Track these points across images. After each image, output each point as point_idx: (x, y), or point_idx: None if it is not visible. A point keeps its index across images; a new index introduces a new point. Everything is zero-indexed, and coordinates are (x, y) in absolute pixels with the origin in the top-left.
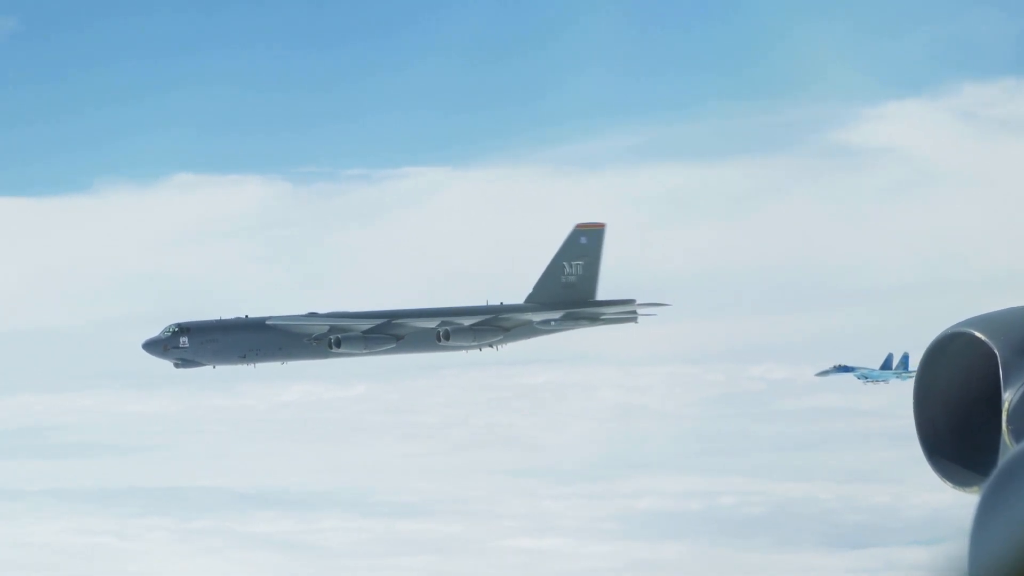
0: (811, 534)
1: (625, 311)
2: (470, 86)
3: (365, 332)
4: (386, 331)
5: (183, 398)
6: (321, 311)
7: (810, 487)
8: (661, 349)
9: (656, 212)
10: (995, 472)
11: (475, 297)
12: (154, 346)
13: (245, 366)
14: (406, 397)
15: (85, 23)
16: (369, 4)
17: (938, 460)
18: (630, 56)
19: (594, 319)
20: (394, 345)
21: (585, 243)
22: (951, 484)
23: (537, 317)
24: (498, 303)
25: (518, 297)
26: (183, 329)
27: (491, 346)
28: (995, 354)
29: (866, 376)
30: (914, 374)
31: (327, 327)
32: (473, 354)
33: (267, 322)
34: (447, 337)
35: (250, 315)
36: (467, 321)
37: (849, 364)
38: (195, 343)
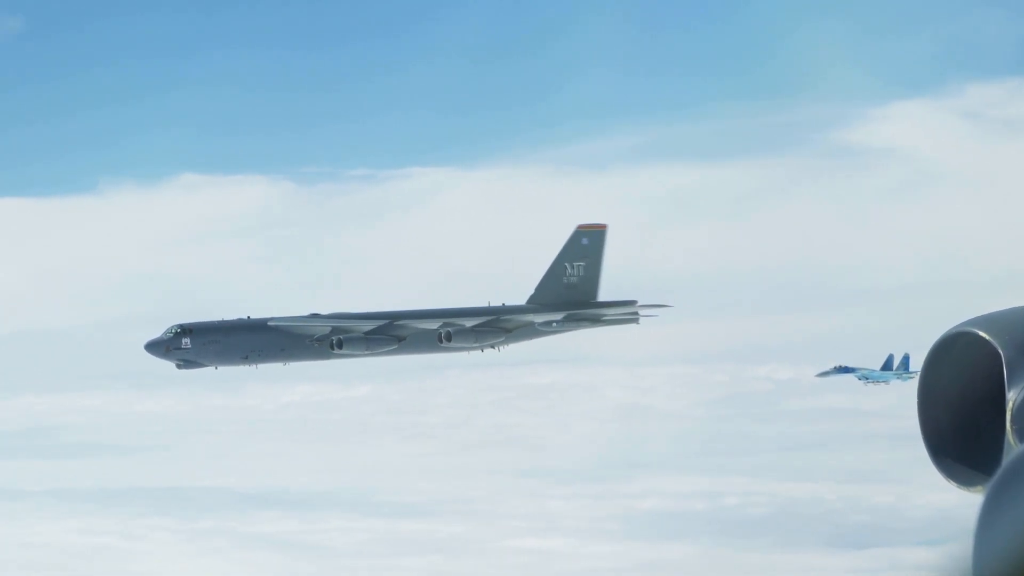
0: (815, 534)
1: (627, 312)
2: (473, 87)
3: (367, 333)
4: (388, 332)
5: (186, 398)
6: (323, 312)
7: (814, 487)
8: (664, 349)
9: (659, 212)
10: (999, 471)
11: (477, 298)
12: (156, 347)
13: (247, 367)
14: (409, 397)
15: (90, 23)
16: (373, 5)
17: (942, 459)
18: (633, 57)
19: (596, 320)
20: (396, 346)
21: (587, 244)
22: (955, 483)
23: (539, 318)
24: (500, 304)
25: (520, 298)
26: (185, 330)
27: (493, 347)
28: (999, 354)
29: (866, 377)
30: (914, 375)
31: (329, 328)
32: (476, 354)
33: (269, 323)
34: (449, 338)
35: (252, 316)
36: (469, 322)
37: (850, 365)
38: (197, 344)
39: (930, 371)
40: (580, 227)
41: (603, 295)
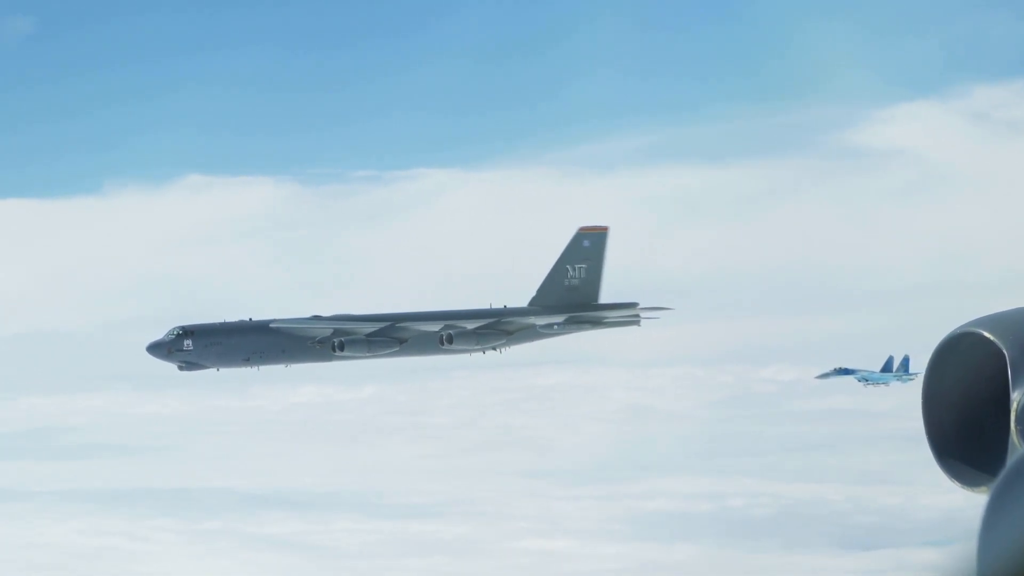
0: (821, 535)
1: (628, 315)
2: (479, 88)
3: (368, 335)
4: (389, 334)
5: (192, 399)
6: (325, 314)
7: (820, 488)
8: (670, 351)
9: (665, 214)
10: (1003, 472)
11: (482, 299)
12: (158, 349)
13: (249, 368)
14: (416, 399)
15: (96, 24)
16: (379, 6)
17: (947, 460)
18: (639, 58)
19: (597, 323)
20: (397, 348)
21: (588, 246)
22: (960, 484)
23: (540, 321)
24: (501, 306)
25: (524, 299)
26: (187, 332)
27: (494, 349)
28: (1003, 354)
29: (866, 379)
30: (914, 377)
31: (331, 330)
32: (482, 356)
33: (271, 325)
34: (450, 340)
35: (256, 317)
36: (470, 324)
37: (849, 367)
38: (199, 346)
39: (934, 371)
40: (582, 229)
41: (607, 297)
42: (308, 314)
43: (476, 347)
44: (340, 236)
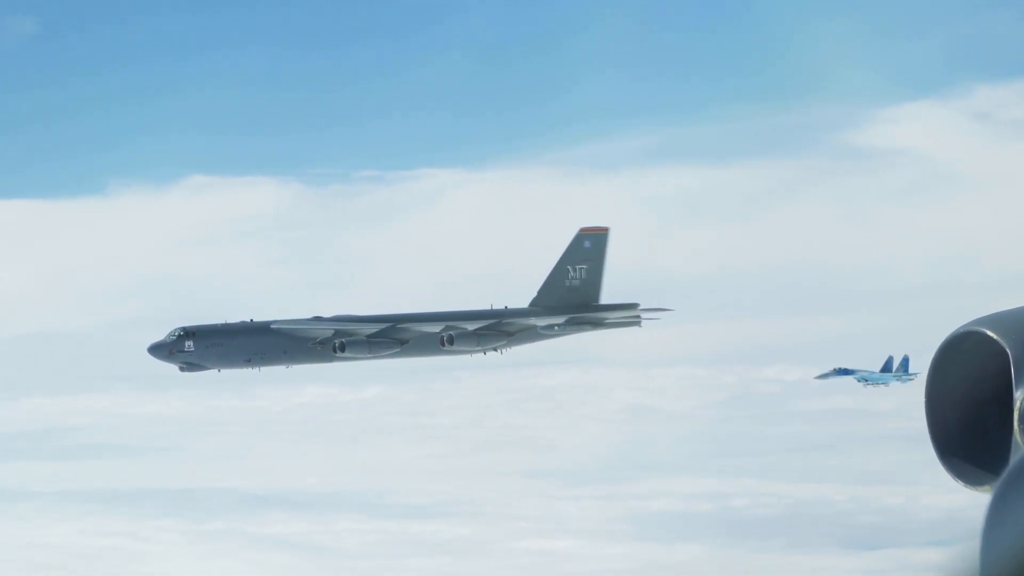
0: (824, 535)
1: (628, 316)
2: (482, 88)
3: (369, 336)
4: (390, 335)
5: (196, 399)
6: (325, 315)
7: (823, 488)
8: (672, 351)
9: (668, 214)
10: (1006, 471)
11: (484, 299)
12: (159, 350)
13: (250, 369)
14: (419, 399)
15: (99, 25)
16: (382, 6)
17: (950, 459)
18: (642, 58)
19: (597, 324)
20: (398, 349)
21: (589, 247)
22: (963, 483)
23: (541, 322)
24: (503, 307)
25: (526, 299)
26: (188, 333)
27: (495, 350)
28: (1007, 353)
29: (866, 379)
30: (914, 377)
31: (332, 331)
32: (485, 356)
33: (272, 326)
34: (451, 341)
35: (259, 318)
36: (471, 326)
37: (849, 367)
38: (200, 347)
39: (937, 371)
40: (582, 230)
41: (609, 297)
42: (310, 315)
43: (477, 348)
44: (343, 236)
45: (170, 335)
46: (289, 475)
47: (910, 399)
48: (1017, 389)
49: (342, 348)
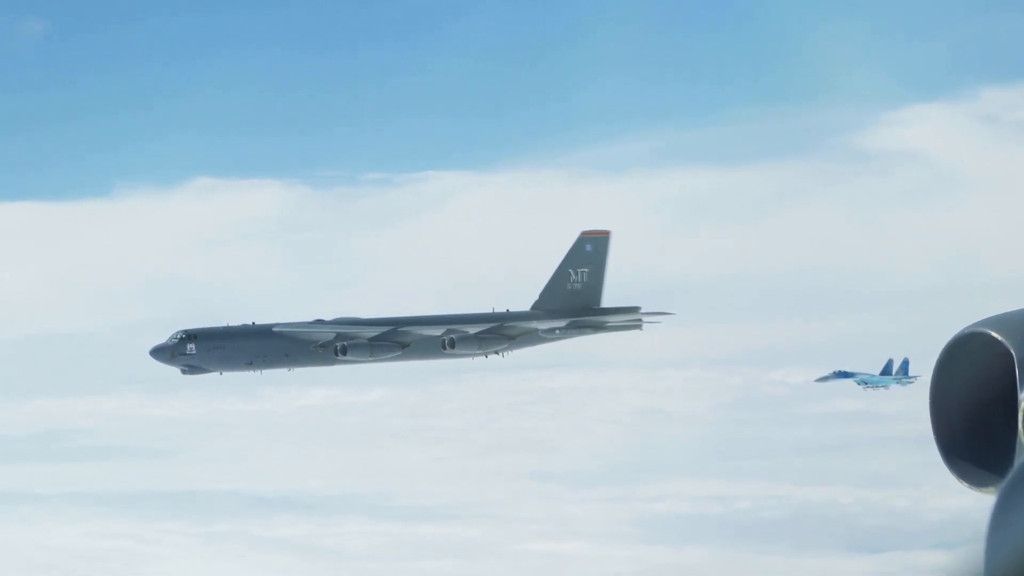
0: (830, 538)
1: (629, 319)
2: (489, 90)
3: (371, 340)
4: (392, 339)
5: (201, 402)
6: (327, 318)
7: (830, 491)
8: (679, 353)
9: (675, 216)
10: (1011, 473)
11: (491, 302)
12: (161, 352)
13: (251, 372)
14: (426, 401)
15: (106, 27)
16: (390, 8)
17: (955, 461)
18: (649, 61)
19: (598, 327)
20: (400, 353)
21: (590, 250)
22: (967, 484)
23: (542, 325)
24: (505, 310)
25: (531, 302)
26: (190, 336)
27: (496, 353)
28: (1012, 354)
29: (865, 382)
30: (914, 380)
31: (333, 334)
32: (492, 358)
33: (274, 329)
34: (452, 345)
35: (263, 321)
36: (472, 329)
37: (849, 370)
38: (202, 350)
39: (942, 372)
40: (584, 233)
41: (615, 299)
42: (315, 317)
43: (478, 351)
44: (348, 239)
45: (172, 338)
46: (294, 477)
47: (916, 401)
48: (1022, 390)
49: (343, 351)
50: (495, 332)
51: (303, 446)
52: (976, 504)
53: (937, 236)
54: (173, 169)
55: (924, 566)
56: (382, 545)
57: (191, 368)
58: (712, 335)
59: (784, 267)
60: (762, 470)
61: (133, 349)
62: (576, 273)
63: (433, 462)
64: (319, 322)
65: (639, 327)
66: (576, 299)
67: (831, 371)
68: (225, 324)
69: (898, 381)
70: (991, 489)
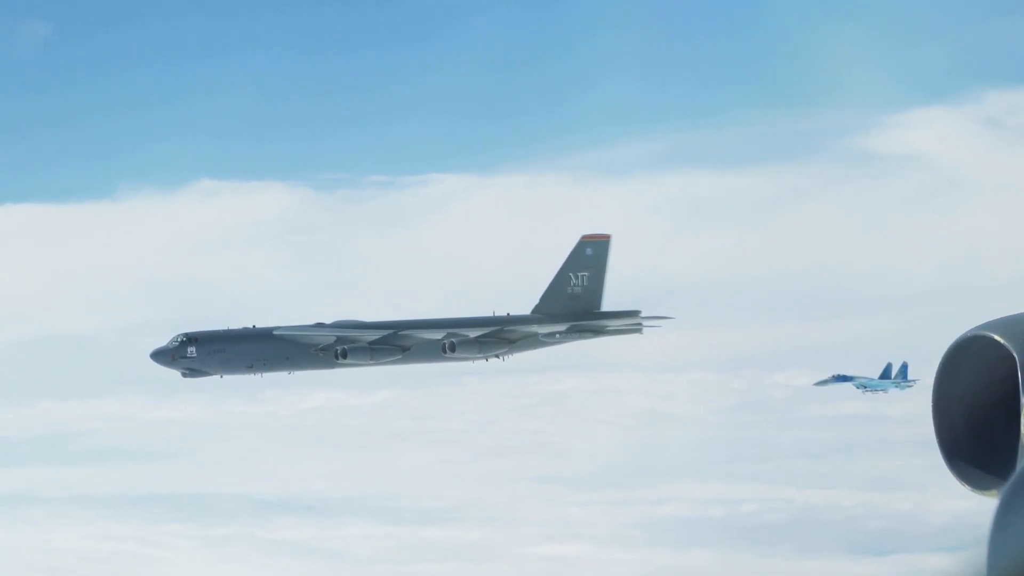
0: (833, 541)
1: (630, 323)
2: (493, 93)
3: (371, 343)
4: (392, 342)
5: (206, 404)
6: (327, 321)
7: (833, 494)
8: (683, 356)
9: (677, 219)
10: (1014, 475)
11: (493, 305)
12: (162, 355)
13: (252, 376)
14: (429, 404)
15: (110, 29)
16: (392, 11)
17: (956, 463)
18: (652, 64)
19: (598, 331)
20: (400, 356)
21: (591, 254)
22: (969, 487)
23: (542, 329)
24: (505, 313)
25: (530, 306)
26: (190, 339)
27: (497, 357)
28: (1014, 357)
29: (865, 386)
30: (913, 384)
31: (334, 337)
32: (495, 362)
33: (274, 332)
34: (452, 349)
35: (265, 323)
36: (473, 333)
37: (848, 373)
38: (202, 353)
39: (945, 375)
40: (584, 237)
41: (617, 302)
42: (318, 319)
43: (478, 355)
44: (352, 241)
45: (172, 341)
46: (297, 480)
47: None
48: None
49: (344, 355)
50: (495, 336)
51: (306, 449)
52: (979, 507)
53: (939, 239)
54: (176, 171)
55: (927, 569)
56: (385, 548)
57: (192, 371)
58: (716, 338)
59: (786, 270)
60: (765, 473)
61: (136, 351)
62: (576, 277)
63: (436, 465)
64: (319, 325)
65: (639, 331)
66: (576, 303)
67: (830, 375)
68: (226, 327)
69: (897, 385)
70: (993, 492)
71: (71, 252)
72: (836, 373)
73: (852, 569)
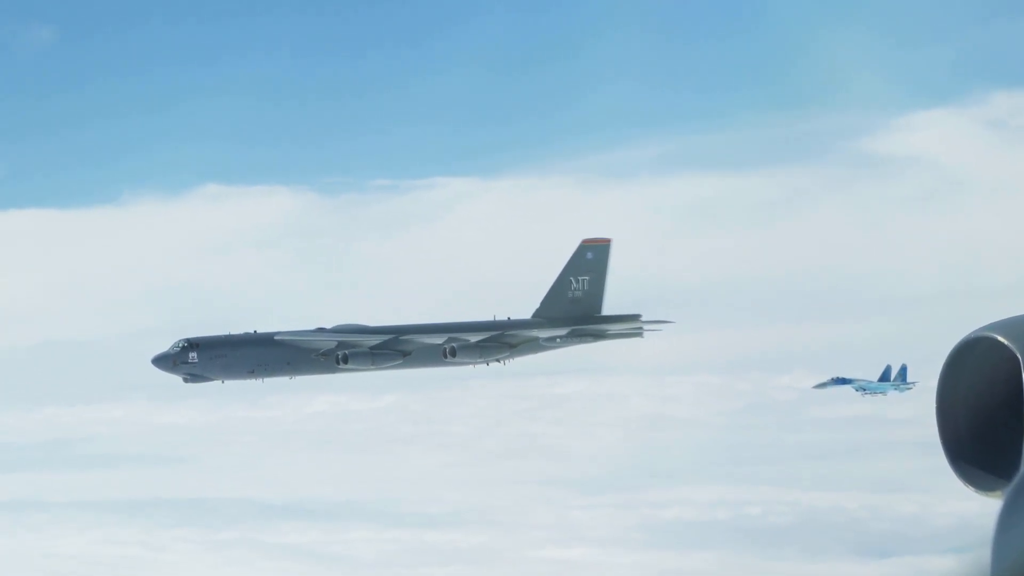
0: (838, 543)
1: (630, 327)
2: (497, 96)
3: (372, 348)
4: (393, 347)
5: (210, 409)
6: (328, 326)
7: (837, 496)
8: (686, 359)
9: (681, 222)
10: (1018, 476)
11: (496, 309)
12: (163, 361)
13: (253, 381)
14: (432, 408)
15: (115, 34)
16: (396, 14)
17: (961, 464)
18: (656, 67)
19: (599, 336)
20: (401, 361)
21: (591, 258)
22: (974, 488)
23: (543, 334)
24: (506, 318)
25: (531, 310)
26: (192, 344)
27: (498, 361)
28: (1017, 358)
29: (864, 388)
30: (912, 386)
31: (335, 343)
32: (498, 366)
33: (275, 337)
34: (453, 353)
35: (261, 329)
36: (473, 337)
37: (847, 376)
38: (204, 358)
39: (949, 376)
40: (585, 241)
41: (620, 305)
42: (322, 324)
43: (479, 360)
44: (356, 245)
45: (174, 346)
46: (301, 484)
47: (923, 406)
48: None
49: (345, 360)
50: (496, 340)
51: (310, 453)
52: (983, 508)
53: (942, 240)
54: (181, 176)
55: (932, 570)
56: (388, 552)
57: (193, 377)
58: (720, 340)
59: (792, 272)
60: (769, 475)
61: (141, 356)
62: (577, 281)
63: (440, 468)
64: (321, 330)
65: (640, 335)
66: (577, 307)
67: (829, 378)
68: (227, 332)
69: (896, 387)
70: (997, 493)
71: (75, 257)
72: (835, 376)
73: (857, 571)
